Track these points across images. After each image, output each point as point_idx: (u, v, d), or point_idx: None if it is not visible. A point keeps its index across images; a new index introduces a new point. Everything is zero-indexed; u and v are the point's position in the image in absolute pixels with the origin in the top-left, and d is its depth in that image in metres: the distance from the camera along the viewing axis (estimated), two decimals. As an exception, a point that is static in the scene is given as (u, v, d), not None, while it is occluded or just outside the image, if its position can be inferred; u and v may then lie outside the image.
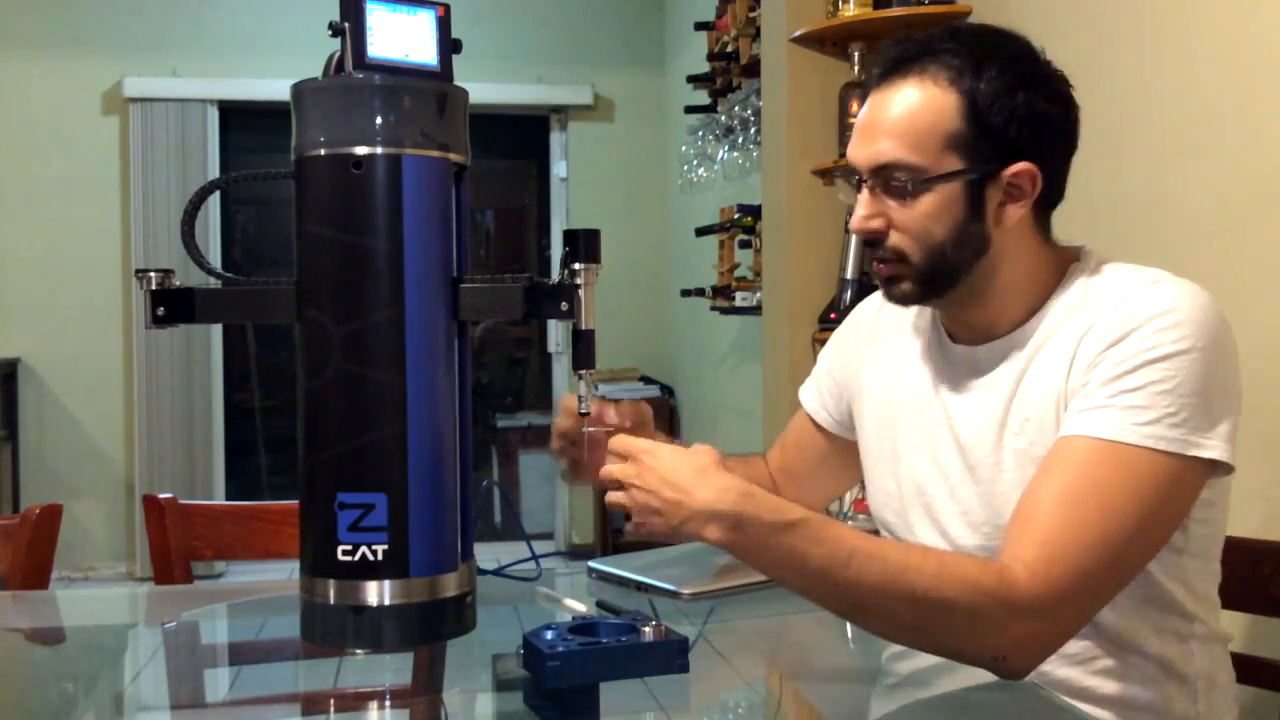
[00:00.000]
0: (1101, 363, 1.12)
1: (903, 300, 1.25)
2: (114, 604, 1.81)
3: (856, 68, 2.82)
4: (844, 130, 2.81)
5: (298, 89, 1.02)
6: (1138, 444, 1.08)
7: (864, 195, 1.21)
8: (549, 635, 0.96)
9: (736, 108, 3.77)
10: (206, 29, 5.12)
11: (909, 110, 1.17)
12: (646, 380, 5.23)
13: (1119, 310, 1.14)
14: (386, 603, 0.99)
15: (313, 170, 1.00)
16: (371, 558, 0.99)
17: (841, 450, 1.48)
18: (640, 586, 1.37)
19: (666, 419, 5.09)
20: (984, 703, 1.07)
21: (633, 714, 1.02)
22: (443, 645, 1.12)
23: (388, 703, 1.11)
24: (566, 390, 5.42)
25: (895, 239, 1.20)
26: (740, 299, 3.71)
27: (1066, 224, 1.27)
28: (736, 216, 3.71)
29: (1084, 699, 1.16)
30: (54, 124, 5.03)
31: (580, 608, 1.28)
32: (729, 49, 3.71)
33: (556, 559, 4.99)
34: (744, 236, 3.73)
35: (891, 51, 1.22)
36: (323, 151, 0.99)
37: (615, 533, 5.05)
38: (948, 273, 1.20)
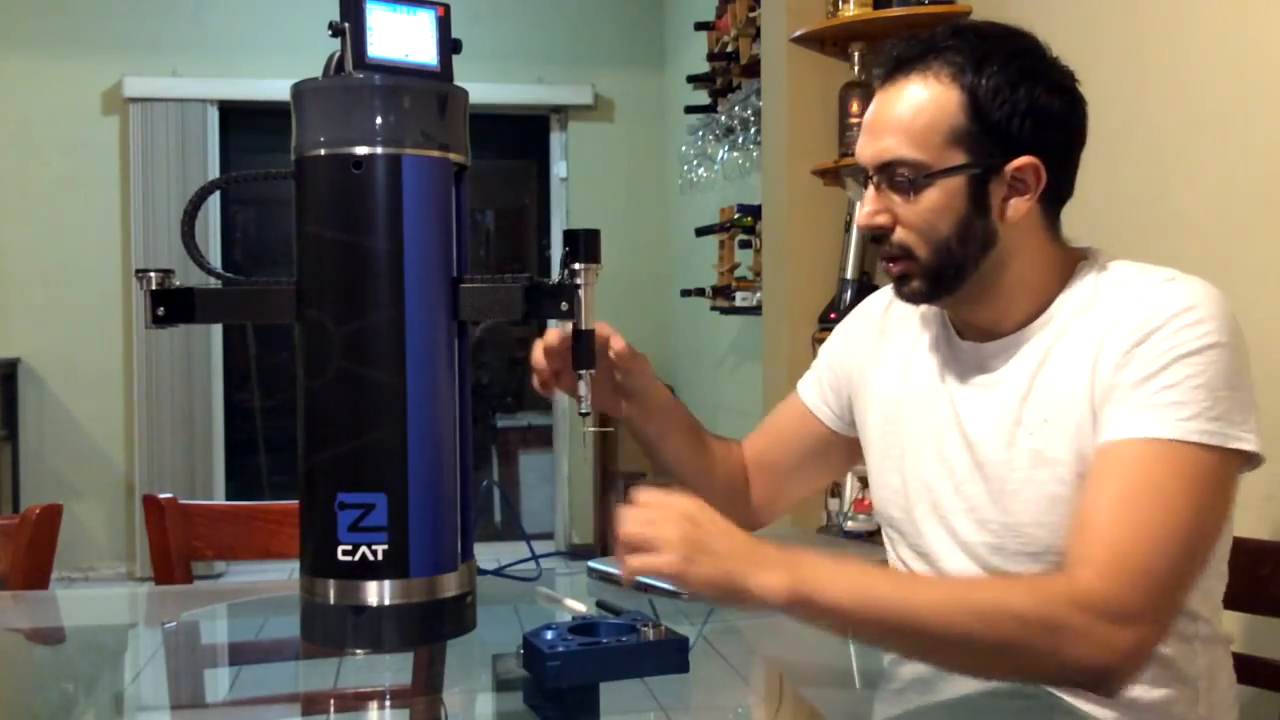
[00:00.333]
0: (1129, 363, 1.12)
1: (913, 298, 1.25)
2: (114, 604, 1.81)
3: (856, 68, 2.82)
4: (844, 130, 2.81)
5: (298, 89, 1.02)
6: (1183, 439, 1.08)
7: (870, 192, 1.22)
8: (549, 635, 0.96)
9: (736, 108, 3.77)
10: (206, 29, 5.12)
11: (913, 107, 1.18)
12: (646, 380, 5.23)
13: (1138, 309, 1.14)
14: (386, 603, 0.99)
15: (313, 170, 1.00)
16: (371, 558, 0.98)
17: (834, 445, 1.48)
18: (640, 586, 1.37)
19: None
20: (987, 706, 1.07)
21: (633, 714, 1.02)
22: (443, 645, 1.12)
23: (388, 703, 1.11)
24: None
25: (900, 234, 1.20)
26: (740, 299, 3.71)
27: (1065, 224, 1.27)
28: (736, 216, 3.70)
29: (1086, 699, 1.16)
30: (54, 124, 5.03)
31: (580, 608, 1.28)
32: (729, 49, 3.71)
33: (556, 559, 4.98)
34: (744, 236, 3.73)
35: (897, 50, 1.22)
36: (323, 151, 0.99)
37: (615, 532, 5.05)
38: (955, 268, 1.20)
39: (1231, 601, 1.28)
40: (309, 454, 1.01)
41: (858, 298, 2.65)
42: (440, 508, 1.01)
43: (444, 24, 1.03)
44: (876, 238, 1.23)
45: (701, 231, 4.01)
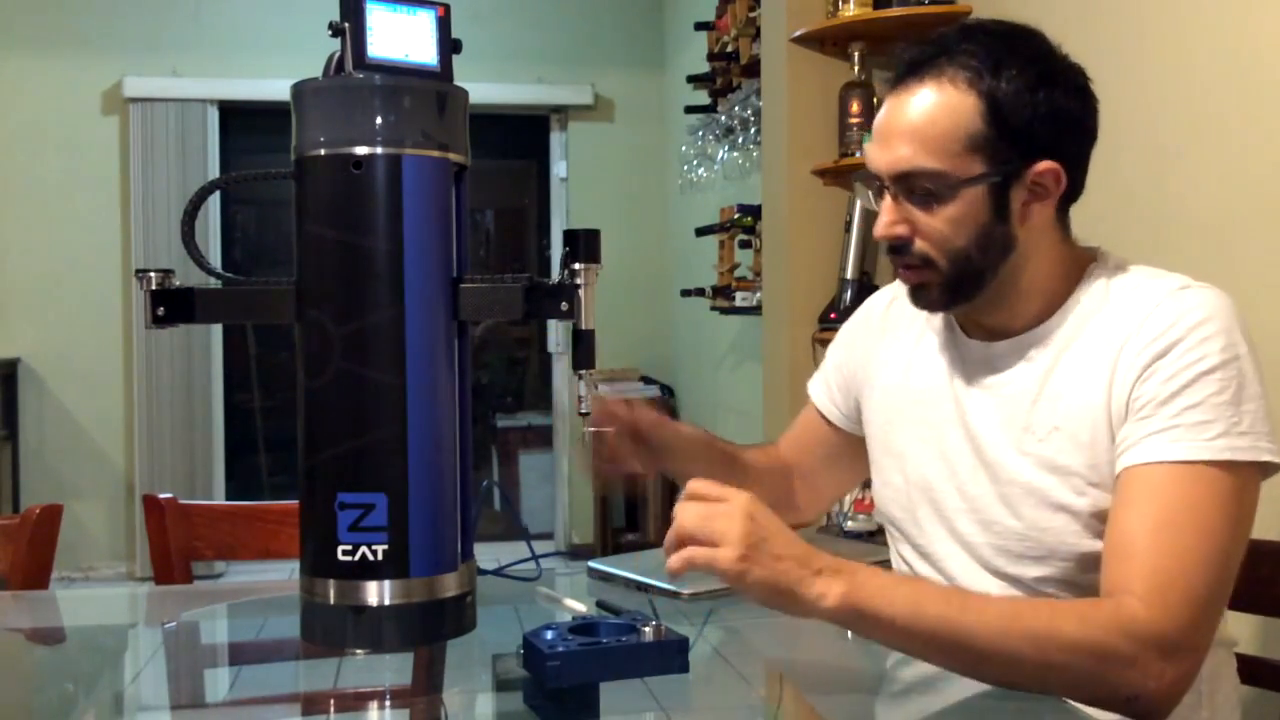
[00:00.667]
0: (1150, 377, 1.11)
1: (931, 307, 1.24)
2: (114, 604, 1.81)
3: (856, 68, 2.82)
4: (844, 130, 2.82)
5: (298, 89, 1.02)
6: (1213, 459, 1.07)
7: (886, 202, 1.19)
8: (549, 635, 0.96)
9: (736, 108, 3.77)
10: (206, 29, 5.12)
11: (928, 114, 1.15)
12: (646, 380, 5.23)
13: (1154, 320, 1.13)
14: (386, 603, 0.99)
15: (313, 170, 1.00)
16: (371, 558, 0.98)
17: (851, 445, 1.47)
18: (640, 586, 1.37)
19: (666, 419, 5.08)
20: (990, 709, 1.06)
21: (633, 714, 1.02)
22: (443, 645, 1.12)
23: (388, 703, 1.11)
24: (566, 390, 5.42)
25: (921, 245, 1.18)
26: (740, 299, 3.71)
27: (1066, 224, 1.27)
28: (736, 216, 3.71)
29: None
30: (54, 124, 5.03)
31: (580, 608, 1.28)
32: (729, 49, 3.71)
33: (556, 559, 4.98)
34: (744, 236, 3.73)
35: (907, 53, 1.19)
36: (323, 151, 0.99)
37: (615, 532, 5.06)
38: (974, 276, 1.19)
39: (1233, 602, 1.27)
40: (309, 454, 1.01)
41: (858, 298, 2.66)
42: (440, 508, 1.01)
43: (444, 24, 1.03)
44: (895, 248, 1.20)
45: (701, 231, 4.01)
